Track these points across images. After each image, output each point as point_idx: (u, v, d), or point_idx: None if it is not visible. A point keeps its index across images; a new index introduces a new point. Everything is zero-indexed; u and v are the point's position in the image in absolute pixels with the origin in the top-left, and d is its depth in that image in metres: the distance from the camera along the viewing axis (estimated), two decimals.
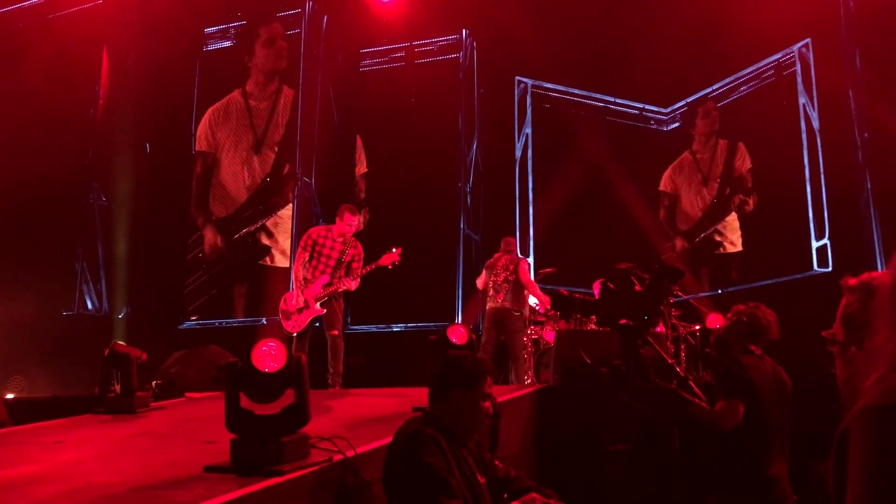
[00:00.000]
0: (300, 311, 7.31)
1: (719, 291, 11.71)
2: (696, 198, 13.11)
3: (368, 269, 7.46)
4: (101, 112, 12.50)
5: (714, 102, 12.87)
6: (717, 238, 12.64)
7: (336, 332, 7.33)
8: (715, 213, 12.73)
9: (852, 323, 1.73)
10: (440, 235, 11.91)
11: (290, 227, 12.29)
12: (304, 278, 7.37)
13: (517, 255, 8.58)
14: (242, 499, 2.72)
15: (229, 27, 13.30)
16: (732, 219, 12.42)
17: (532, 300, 8.57)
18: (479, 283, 8.56)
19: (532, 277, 8.43)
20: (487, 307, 8.27)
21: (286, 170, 12.53)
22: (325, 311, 7.30)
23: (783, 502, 3.83)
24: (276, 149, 12.65)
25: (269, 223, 12.50)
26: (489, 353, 7.99)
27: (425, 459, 2.84)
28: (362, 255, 7.53)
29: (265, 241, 12.46)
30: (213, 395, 6.26)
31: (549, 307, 8.42)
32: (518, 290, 8.16)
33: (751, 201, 11.98)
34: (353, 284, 7.35)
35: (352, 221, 7.49)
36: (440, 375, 3.17)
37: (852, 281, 1.82)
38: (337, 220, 7.53)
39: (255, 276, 12.29)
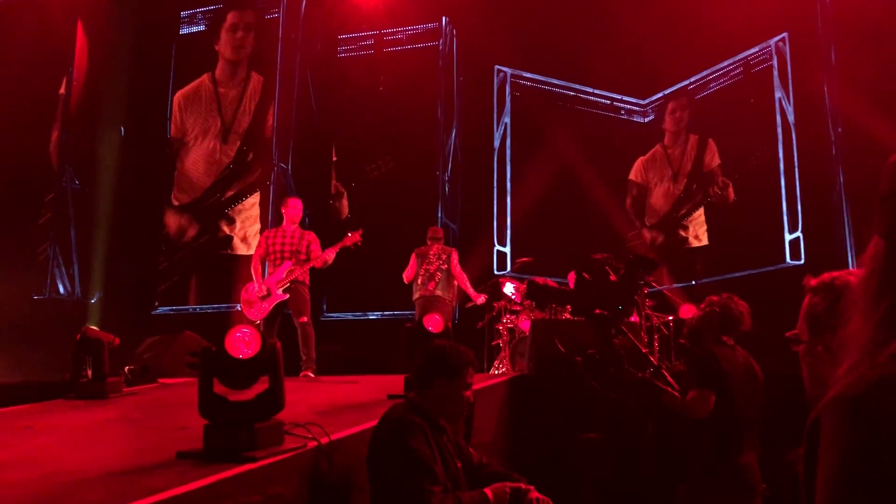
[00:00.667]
0: (263, 298, 7.35)
1: (693, 283, 11.83)
2: (664, 193, 13.23)
3: (331, 250, 7.48)
4: (75, 94, 12.30)
5: (689, 97, 12.97)
6: (682, 233, 12.79)
7: (305, 319, 7.33)
8: (682, 208, 12.87)
9: (817, 323, 1.74)
10: (418, 224, 11.87)
11: (255, 214, 12.24)
12: (265, 270, 7.54)
13: (445, 245, 8.83)
14: (215, 485, 2.71)
15: (203, 10, 13.13)
16: (698, 213, 12.57)
17: (508, 288, 8.60)
18: (408, 273, 8.65)
19: (459, 268, 8.65)
20: (418, 295, 8.50)
21: (250, 157, 12.44)
22: (287, 296, 7.30)
23: (753, 490, 3.89)
24: (242, 136, 12.56)
25: (231, 212, 12.41)
26: None
27: (412, 446, 2.90)
28: (317, 240, 7.62)
29: (226, 229, 12.38)
30: (187, 381, 6.23)
31: (524, 296, 8.47)
32: (449, 279, 8.48)
33: (730, 193, 12.12)
34: (317, 263, 7.42)
35: (295, 204, 7.69)
36: (425, 364, 3.23)
37: (814, 281, 1.83)
38: (282, 210, 7.74)
39: (218, 263, 12.23)
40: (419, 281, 8.50)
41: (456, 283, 8.57)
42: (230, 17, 12.93)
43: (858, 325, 1.00)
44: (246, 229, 12.34)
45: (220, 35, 12.94)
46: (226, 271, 12.01)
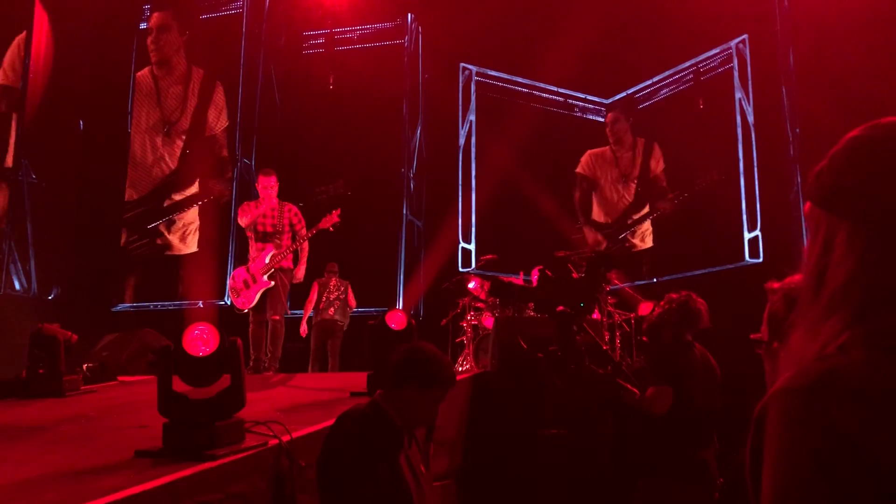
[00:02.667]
0: (247, 285, 7.22)
1: (654, 280, 11.98)
2: (613, 196, 13.42)
3: (310, 233, 7.36)
4: (32, 86, 12.04)
5: (643, 99, 13.17)
6: (630, 238, 13.03)
7: (278, 318, 7.23)
8: (630, 216, 13.11)
9: (775, 320, 1.77)
10: (383, 221, 11.87)
11: (195, 214, 12.18)
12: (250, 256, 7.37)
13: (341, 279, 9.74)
14: (174, 483, 2.69)
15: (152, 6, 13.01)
16: (642, 217, 12.85)
17: (472, 285, 8.65)
18: (311, 301, 9.51)
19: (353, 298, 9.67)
20: (318, 319, 9.43)
21: (191, 154, 12.37)
22: (272, 283, 7.16)
23: (710, 485, 3.95)
24: (186, 133, 12.49)
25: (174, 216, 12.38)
26: (318, 358, 9.23)
27: (365, 475, 2.74)
28: (301, 216, 7.47)
29: (164, 231, 12.33)
30: (146, 380, 6.15)
31: (489, 293, 8.51)
32: (345, 306, 9.59)
33: (670, 199, 12.39)
34: (304, 245, 7.35)
35: (266, 183, 7.42)
36: (403, 364, 2.99)
37: (776, 284, 1.87)
38: (257, 187, 7.56)
39: (165, 263, 12.18)
40: (320, 306, 9.44)
41: (350, 310, 9.65)
42: (154, 19, 12.87)
43: (800, 332, 1.00)
44: (185, 227, 12.27)
45: (154, 34, 12.85)
46: (173, 270, 11.95)
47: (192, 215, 12.27)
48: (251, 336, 7.19)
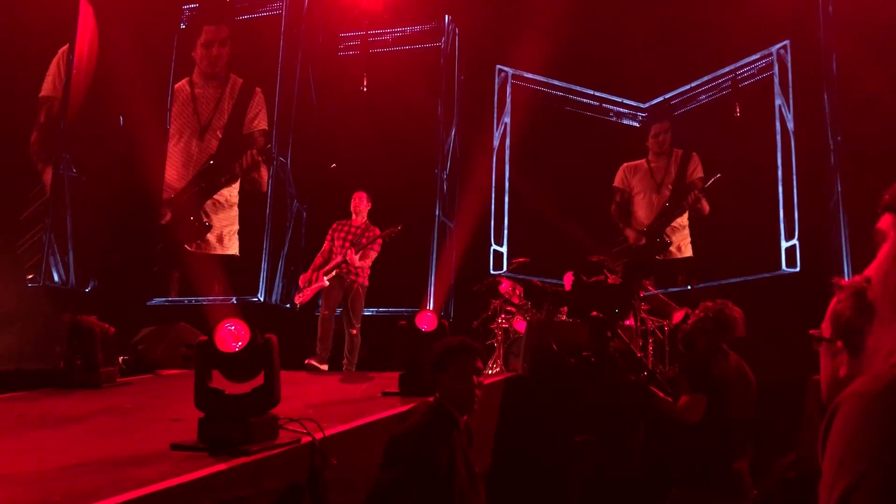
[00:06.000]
0: (308, 283, 7.75)
1: (689, 288, 11.85)
2: (648, 203, 13.30)
3: (373, 245, 7.75)
4: (75, 81, 12.25)
5: (681, 105, 13.04)
6: (666, 236, 12.89)
7: (355, 332, 7.63)
8: (664, 218, 12.97)
9: (839, 319, 1.74)
10: (415, 221, 11.88)
11: (234, 215, 12.31)
12: (321, 265, 7.84)
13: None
14: (209, 477, 2.72)
15: (193, 8, 13.17)
16: (682, 225, 12.67)
17: (504, 288, 8.62)
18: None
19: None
20: None
21: (226, 157, 12.51)
22: (327, 284, 7.59)
23: (744, 496, 3.90)
24: (221, 136, 12.63)
25: (210, 212, 12.50)
26: None
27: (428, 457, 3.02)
28: (376, 235, 7.84)
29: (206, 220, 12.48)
30: (181, 373, 6.23)
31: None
32: None
33: (704, 206, 12.24)
34: (354, 258, 7.60)
35: (360, 196, 8.00)
36: (440, 350, 3.37)
37: (844, 281, 1.83)
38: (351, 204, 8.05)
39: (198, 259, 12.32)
40: None
41: None
42: (205, 34, 13.00)
43: (879, 326, 1.01)
44: (222, 229, 12.41)
45: (196, 48, 13.02)
46: (208, 268, 12.11)
47: (228, 218, 12.40)
48: (320, 324, 7.67)
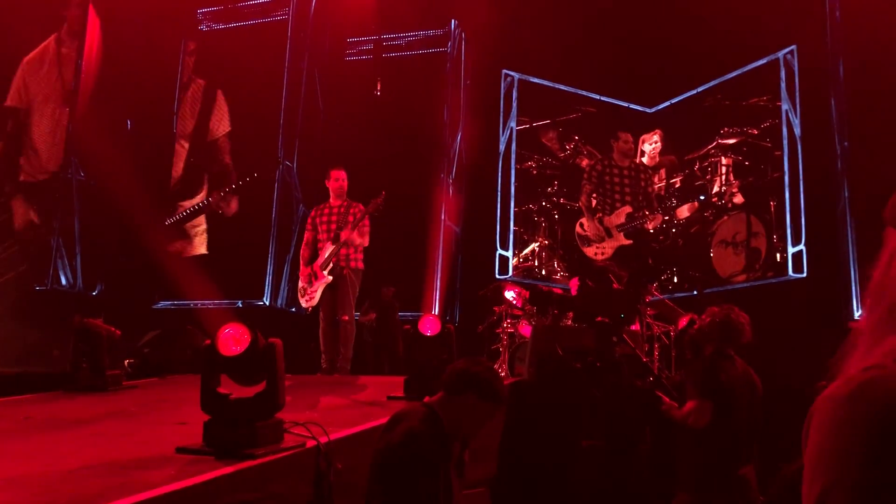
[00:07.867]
0: (310, 282, 7.16)
1: (695, 293, 11.81)
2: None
3: (363, 220, 7.11)
4: (83, 85, 12.30)
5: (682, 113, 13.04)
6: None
7: (346, 318, 7.05)
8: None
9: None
10: (421, 226, 11.89)
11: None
12: (310, 256, 7.28)
13: None
14: (214, 481, 2.72)
15: (218, 9, 13.25)
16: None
17: (509, 293, 8.62)
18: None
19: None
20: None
21: (194, 160, 12.70)
22: (331, 278, 7.00)
23: (750, 502, 3.89)
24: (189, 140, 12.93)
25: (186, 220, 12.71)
26: None
27: (420, 468, 2.81)
28: (363, 210, 7.17)
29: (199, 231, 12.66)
30: (188, 377, 6.24)
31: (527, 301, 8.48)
32: None
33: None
34: (352, 235, 7.00)
35: (338, 176, 7.31)
36: (465, 372, 3.01)
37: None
38: (326, 183, 7.42)
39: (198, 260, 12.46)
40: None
41: None
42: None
43: (864, 325, 1.02)
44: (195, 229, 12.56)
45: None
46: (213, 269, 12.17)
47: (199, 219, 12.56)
48: (321, 337, 7.17)
